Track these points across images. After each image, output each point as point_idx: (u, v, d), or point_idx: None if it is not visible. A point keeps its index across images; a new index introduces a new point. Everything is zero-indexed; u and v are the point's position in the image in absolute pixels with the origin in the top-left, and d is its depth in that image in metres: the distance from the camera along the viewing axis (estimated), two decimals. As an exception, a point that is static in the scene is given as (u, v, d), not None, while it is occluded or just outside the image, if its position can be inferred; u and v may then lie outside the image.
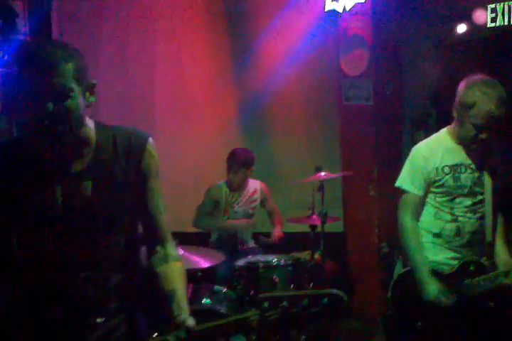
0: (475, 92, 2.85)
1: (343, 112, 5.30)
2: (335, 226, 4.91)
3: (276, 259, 4.06)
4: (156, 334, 2.29)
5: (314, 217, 4.44)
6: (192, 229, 4.81)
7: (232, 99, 5.77)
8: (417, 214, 3.10)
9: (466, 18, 4.66)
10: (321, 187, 4.36)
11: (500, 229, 3.06)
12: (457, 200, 3.02)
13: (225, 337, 1.82)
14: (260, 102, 5.55)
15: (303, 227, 4.59)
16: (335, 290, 1.75)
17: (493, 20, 4.31)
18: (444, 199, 3.04)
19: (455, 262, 3.04)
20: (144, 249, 2.01)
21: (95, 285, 1.85)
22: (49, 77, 1.69)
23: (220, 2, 5.77)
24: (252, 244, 4.84)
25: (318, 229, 4.38)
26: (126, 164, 1.89)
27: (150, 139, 1.94)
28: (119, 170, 1.88)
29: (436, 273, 3.02)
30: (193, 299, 3.67)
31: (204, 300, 3.74)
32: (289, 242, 4.77)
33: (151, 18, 5.87)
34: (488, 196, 2.99)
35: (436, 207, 3.06)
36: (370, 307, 4.89)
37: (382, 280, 4.60)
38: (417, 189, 3.06)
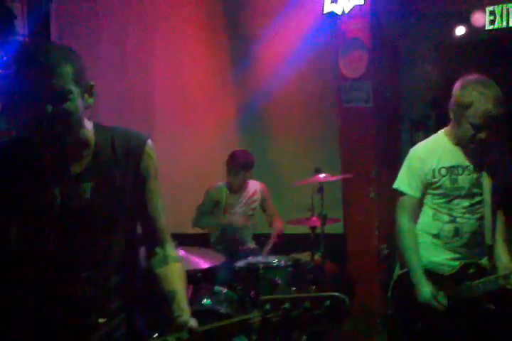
0: (471, 92, 2.84)
1: (343, 114, 5.29)
2: (335, 228, 4.90)
3: (276, 260, 4.07)
4: (156, 335, 2.29)
5: (314, 218, 4.44)
6: (192, 230, 4.80)
7: (232, 100, 5.78)
8: (415, 216, 3.09)
9: (465, 20, 4.67)
10: (321, 188, 4.36)
11: (500, 227, 3.05)
12: (455, 202, 3.01)
13: (226, 338, 1.83)
14: (260, 103, 5.55)
15: (303, 229, 4.59)
16: (337, 293, 1.75)
17: (492, 22, 4.34)
18: (442, 200, 3.02)
19: (455, 263, 3.03)
20: (142, 250, 2.01)
21: (95, 286, 1.85)
22: (48, 79, 1.70)
23: (220, 3, 5.78)
24: (252, 244, 4.84)
25: (318, 231, 4.38)
26: (125, 166, 1.89)
27: (149, 141, 1.94)
28: (118, 171, 1.88)
29: (436, 274, 3.02)
30: (193, 300, 3.67)
31: (204, 301, 3.75)
32: (289, 243, 4.77)
33: (151, 18, 5.87)
34: (487, 197, 2.98)
35: (434, 209, 3.06)
36: (370, 308, 4.89)
37: (382, 281, 4.60)
38: (414, 191, 3.05)
